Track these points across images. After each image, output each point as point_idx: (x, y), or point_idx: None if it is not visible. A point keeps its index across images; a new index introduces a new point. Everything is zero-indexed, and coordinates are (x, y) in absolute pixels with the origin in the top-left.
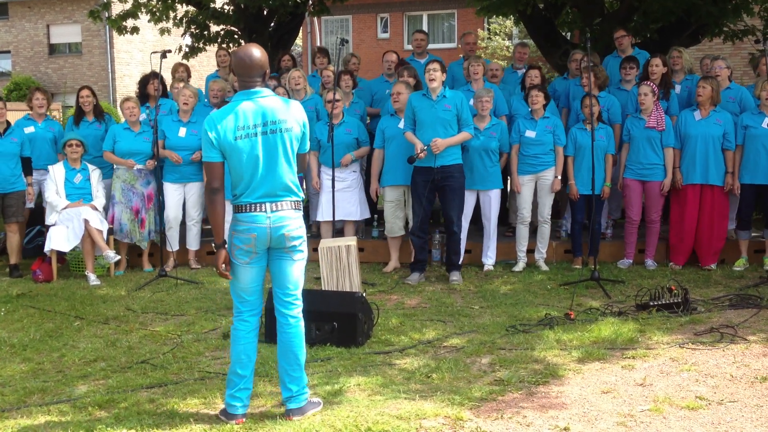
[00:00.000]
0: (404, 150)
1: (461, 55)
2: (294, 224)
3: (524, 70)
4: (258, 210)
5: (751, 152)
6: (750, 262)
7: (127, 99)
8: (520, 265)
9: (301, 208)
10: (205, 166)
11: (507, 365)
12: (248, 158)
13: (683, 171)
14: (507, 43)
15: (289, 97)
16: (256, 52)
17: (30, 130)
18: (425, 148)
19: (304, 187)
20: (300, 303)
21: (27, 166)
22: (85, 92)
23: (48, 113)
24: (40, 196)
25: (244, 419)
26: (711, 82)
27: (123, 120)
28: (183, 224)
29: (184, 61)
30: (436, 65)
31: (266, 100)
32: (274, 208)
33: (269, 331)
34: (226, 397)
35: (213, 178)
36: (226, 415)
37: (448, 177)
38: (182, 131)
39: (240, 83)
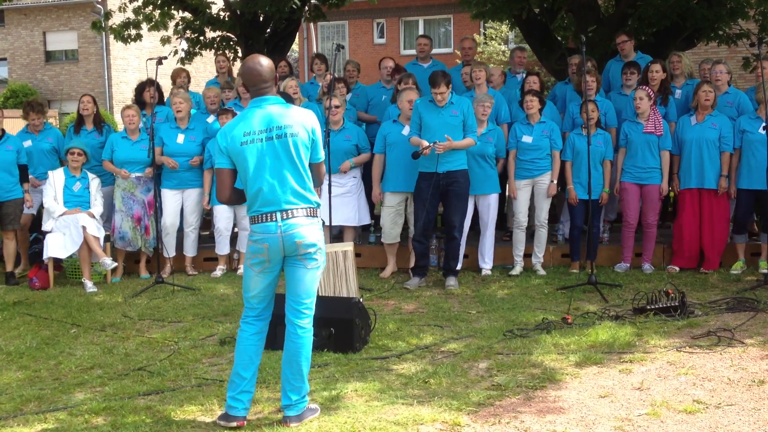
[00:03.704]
0: (406, 156)
1: (458, 61)
2: (306, 231)
3: (523, 75)
4: (269, 219)
5: (748, 157)
6: (747, 265)
7: (128, 107)
8: (518, 270)
9: (317, 215)
10: (216, 174)
11: (504, 370)
12: (254, 164)
13: (680, 176)
14: (503, 47)
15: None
16: (264, 61)
17: (28, 143)
18: (431, 145)
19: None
20: (311, 313)
21: (24, 173)
22: (86, 98)
23: (47, 120)
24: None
25: (245, 422)
26: (713, 86)
27: (121, 128)
28: (180, 230)
29: (183, 66)
30: (443, 88)
31: (273, 107)
32: (285, 217)
33: (269, 338)
34: (228, 399)
35: (221, 186)
36: (226, 418)
37: (453, 182)
38: (180, 138)
39: (251, 92)
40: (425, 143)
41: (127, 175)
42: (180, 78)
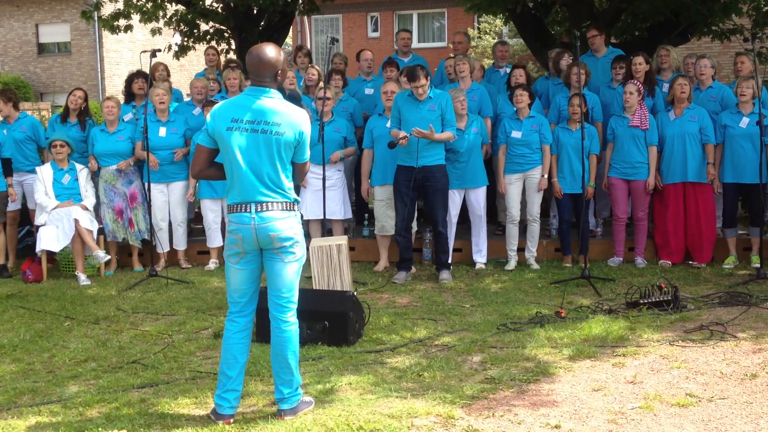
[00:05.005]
0: (392, 149)
1: (452, 55)
2: (281, 225)
3: (507, 69)
4: (243, 210)
5: (731, 152)
6: (739, 259)
7: (108, 98)
8: (512, 264)
9: (294, 209)
10: (195, 148)
11: (498, 363)
12: (234, 151)
13: (663, 171)
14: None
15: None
16: (269, 51)
17: (4, 132)
18: (407, 135)
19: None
20: (293, 307)
21: (7, 167)
22: (78, 93)
23: (23, 110)
24: (24, 196)
25: (232, 420)
26: (688, 79)
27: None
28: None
29: (162, 61)
30: (423, 81)
31: (269, 101)
32: (259, 209)
33: (260, 331)
34: (215, 397)
35: (195, 161)
36: (216, 415)
37: (430, 177)
38: (162, 131)
39: (252, 80)
40: (402, 133)
41: (95, 167)
42: (158, 71)
